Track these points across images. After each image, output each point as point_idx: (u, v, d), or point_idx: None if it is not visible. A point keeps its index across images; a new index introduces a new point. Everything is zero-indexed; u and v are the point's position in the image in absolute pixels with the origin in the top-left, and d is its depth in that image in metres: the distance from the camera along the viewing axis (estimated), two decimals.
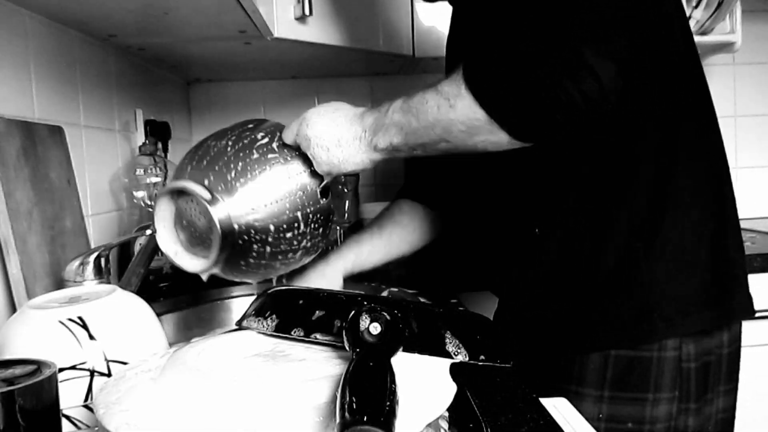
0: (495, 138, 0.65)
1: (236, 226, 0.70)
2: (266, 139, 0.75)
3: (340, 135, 0.71)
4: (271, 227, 0.72)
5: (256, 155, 0.73)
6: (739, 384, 0.85)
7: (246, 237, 0.71)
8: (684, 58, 0.80)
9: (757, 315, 1.41)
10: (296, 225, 0.73)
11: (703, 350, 0.77)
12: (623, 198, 0.77)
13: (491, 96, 0.63)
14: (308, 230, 0.75)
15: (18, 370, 0.47)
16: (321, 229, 0.76)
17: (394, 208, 1.08)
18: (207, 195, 0.69)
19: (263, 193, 0.71)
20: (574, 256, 0.79)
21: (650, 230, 0.76)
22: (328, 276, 0.98)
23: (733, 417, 0.83)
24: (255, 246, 0.72)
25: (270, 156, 0.73)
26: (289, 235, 0.73)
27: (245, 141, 0.74)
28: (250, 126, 0.77)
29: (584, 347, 0.78)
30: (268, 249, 0.73)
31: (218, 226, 0.69)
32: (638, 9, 0.64)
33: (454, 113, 0.65)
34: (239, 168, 0.71)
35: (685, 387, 0.76)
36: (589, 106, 0.61)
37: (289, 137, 0.75)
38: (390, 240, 1.04)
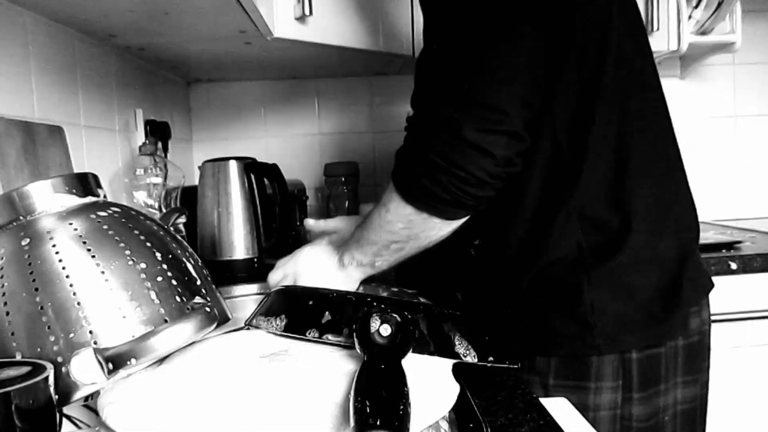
0: (430, 224, 0.73)
1: None
2: None
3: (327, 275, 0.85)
4: None
5: None
6: (708, 377, 0.85)
7: None
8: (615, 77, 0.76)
9: (758, 315, 1.41)
10: None
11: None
12: (567, 230, 0.76)
13: (412, 190, 0.71)
14: None
15: (13, 372, 0.46)
16: None
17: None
18: None
19: None
20: (517, 276, 0.80)
21: (599, 259, 0.76)
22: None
23: (697, 409, 0.84)
24: None
25: None
26: None
27: None
28: None
29: (527, 353, 0.79)
30: None
31: None
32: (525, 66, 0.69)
33: (390, 214, 0.74)
34: None
35: (628, 377, 0.77)
36: (494, 178, 0.68)
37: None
38: None
